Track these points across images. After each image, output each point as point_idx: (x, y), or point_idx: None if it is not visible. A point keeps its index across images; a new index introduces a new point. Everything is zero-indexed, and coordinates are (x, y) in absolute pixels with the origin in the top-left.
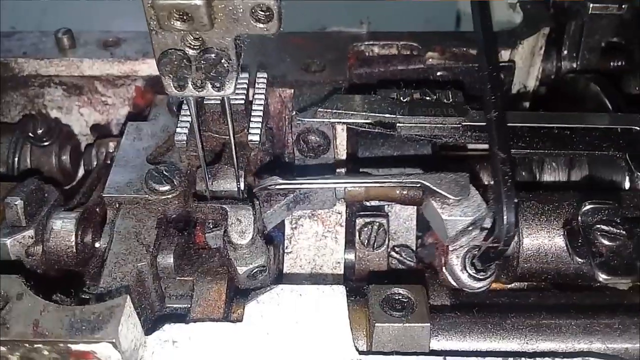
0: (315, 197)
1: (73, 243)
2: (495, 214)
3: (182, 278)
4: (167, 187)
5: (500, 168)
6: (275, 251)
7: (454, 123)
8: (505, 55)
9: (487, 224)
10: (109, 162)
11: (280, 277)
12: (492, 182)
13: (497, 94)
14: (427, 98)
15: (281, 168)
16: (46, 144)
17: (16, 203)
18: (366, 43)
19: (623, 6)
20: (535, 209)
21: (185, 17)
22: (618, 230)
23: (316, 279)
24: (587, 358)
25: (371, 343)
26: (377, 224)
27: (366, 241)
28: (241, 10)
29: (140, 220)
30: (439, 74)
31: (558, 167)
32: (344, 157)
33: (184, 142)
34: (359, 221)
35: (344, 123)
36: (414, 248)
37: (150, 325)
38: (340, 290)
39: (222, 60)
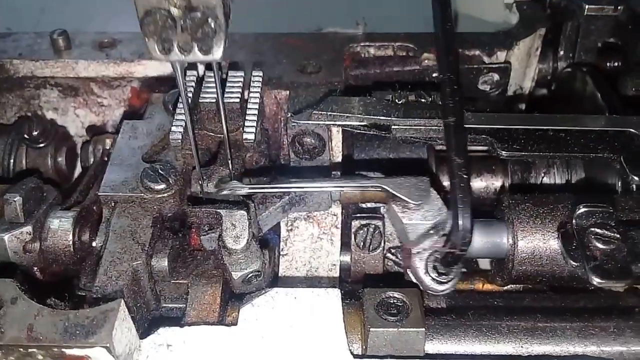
0: (310, 199)
1: (70, 242)
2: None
3: (177, 281)
4: (162, 186)
5: (456, 173)
6: (270, 254)
7: None
8: (501, 56)
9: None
10: (105, 159)
11: (276, 280)
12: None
13: (455, 98)
14: (423, 100)
15: (276, 170)
16: (42, 145)
17: (15, 199)
18: (362, 44)
19: (619, 7)
20: (530, 211)
21: None
22: (612, 234)
23: (312, 281)
24: None
25: (366, 347)
26: (373, 226)
27: (362, 243)
28: None
29: (136, 219)
30: (434, 75)
31: (553, 169)
32: (339, 159)
33: (180, 140)
34: (355, 223)
35: (338, 125)
36: None
37: (146, 325)
38: (335, 294)
39: (209, 20)
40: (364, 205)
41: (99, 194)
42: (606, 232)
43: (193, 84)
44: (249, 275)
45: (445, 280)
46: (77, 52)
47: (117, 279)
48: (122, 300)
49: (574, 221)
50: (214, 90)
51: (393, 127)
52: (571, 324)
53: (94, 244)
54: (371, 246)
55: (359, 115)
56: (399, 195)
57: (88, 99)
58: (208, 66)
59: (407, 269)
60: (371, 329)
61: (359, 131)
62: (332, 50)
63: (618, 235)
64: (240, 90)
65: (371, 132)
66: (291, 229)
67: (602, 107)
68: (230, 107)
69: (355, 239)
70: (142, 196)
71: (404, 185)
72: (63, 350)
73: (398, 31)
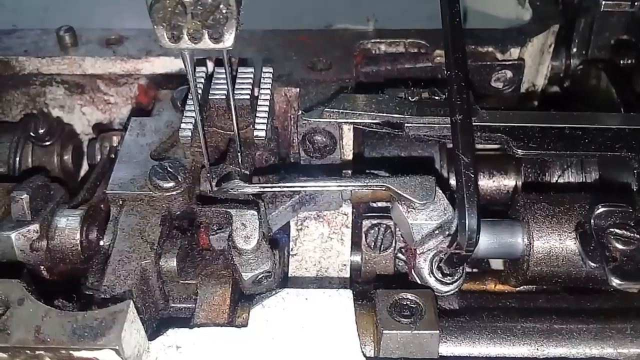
0: (321, 199)
1: (78, 241)
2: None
3: (186, 282)
4: (171, 184)
5: (463, 172)
6: (280, 254)
7: None
8: (514, 53)
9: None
10: (112, 156)
11: (286, 280)
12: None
13: (462, 96)
14: (436, 97)
15: (286, 168)
16: (48, 143)
17: (22, 197)
18: (372, 41)
19: (636, 3)
20: (546, 210)
21: None
22: (632, 234)
23: (322, 281)
24: None
25: (379, 349)
26: (384, 225)
27: (373, 243)
28: None
29: (144, 217)
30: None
31: (568, 168)
32: (350, 157)
33: (189, 138)
34: (366, 223)
35: (350, 123)
36: None
37: (155, 325)
38: (347, 295)
39: (220, 6)
40: (374, 205)
41: (107, 192)
42: (626, 232)
43: (202, 80)
44: (260, 276)
45: (449, 282)
46: (84, 49)
47: (125, 278)
48: (131, 301)
49: (592, 221)
50: (224, 86)
51: (406, 124)
52: (587, 326)
53: (101, 242)
54: (382, 246)
55: (371, 113)
56: (404, 194)
57: (95, 96)
58: (217, 62)
59: (412, 270)
60: (384, 332)
61: (370, 129)
62: (342, 46)
63: (638, 236)
64: (250, 86)
65: (384, 130)
66: (301, 229)
67: (617, 104)
68: (241, 104)
69: (366, 238)
70: (151, 194)
71: (409, 185)
72: (71, 352)
73: (408, 27)
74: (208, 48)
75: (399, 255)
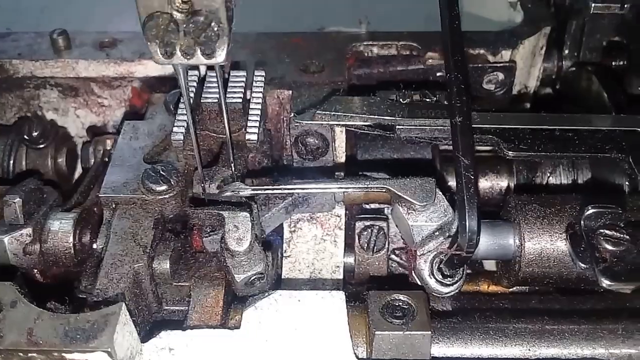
0: (314, 200)
1: (71, 244)
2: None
3: (179, 284)
4: (164, 187)
5: (463, 174)
6: (273, 256)
7: None
8: (506, 55)
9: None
10: (106, 160)
11: (279, 282)
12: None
13: (462, 98)
14: (427, 100)
15: (279, 171)
16: (42, 146)
17: (15, 201)
18: (365, 43)
19: (625, 5)
20: (537, 212)
21: None
22: (622, 235)
23: (315, 283)
24: None
25: (371, 350)
26: (377, 227)
27: (366, 245)
28: None
29: (137, 221)
30: (439, 74)
31: (559, 169)
32: (342, 159)
33: (181, 141)
34: (359, 224)
35: (342, 125)
36: None
37: (148, 328)
38: (339, 296)
39: (212, 24)
40: (367, 206)
41: (100, 195)
42: (615, 233)
43: (195, 84)
44: (252, 278)
45: (450, 283)
46: (78, 52)
47: (118, 281)
48: (124, 304)
49: (582, 222)
50: (216, 90)
51: (397, 127)
52: (579, 327)
53: (94, 246)
54: (375, 247)
55: (363, 115)
56: (404, 196)
57: (88, 99)
58: (210, 66)
59: (412, 271)
60: (376, 333)
61: (362, 131)
62: (334, 49)
63: (628, 237)
64: (242, 90)
65: (375, 132)
66: (294, 230)
67: (608, 106)
68: (233, 107)
69: (359, 240)
70: (144, 197)
71: (409, 186)
72: (63, 354)
73: (401, 29)
74: (200, 63)
75: (392, 256)
